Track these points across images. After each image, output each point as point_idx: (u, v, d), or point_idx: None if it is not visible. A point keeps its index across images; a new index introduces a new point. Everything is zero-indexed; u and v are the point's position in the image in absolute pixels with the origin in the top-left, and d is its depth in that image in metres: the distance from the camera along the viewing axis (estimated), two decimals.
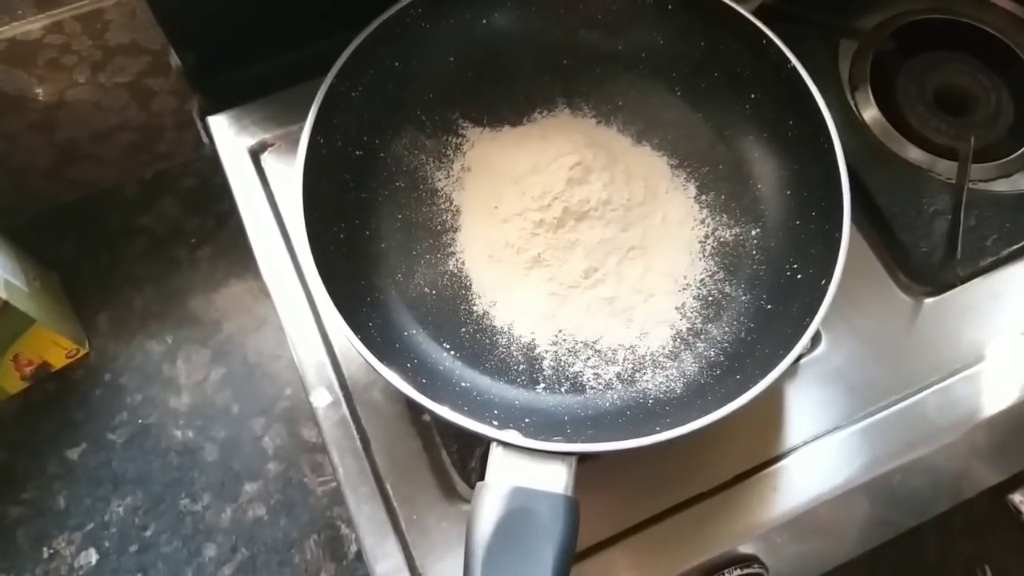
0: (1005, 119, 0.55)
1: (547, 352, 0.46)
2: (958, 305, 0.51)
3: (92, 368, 0.65)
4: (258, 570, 0.59)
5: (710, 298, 0.48)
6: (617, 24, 0.53)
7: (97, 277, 0.69)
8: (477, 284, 0.48)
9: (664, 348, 0.46)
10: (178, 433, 0.63)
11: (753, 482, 0.46)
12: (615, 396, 0.45)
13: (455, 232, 0.50)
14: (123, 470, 0.62)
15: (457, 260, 0.49)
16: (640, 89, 0.53)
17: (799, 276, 0.46)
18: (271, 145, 0.55)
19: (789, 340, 0.41)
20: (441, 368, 0.45)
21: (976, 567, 0.68)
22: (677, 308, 0.47)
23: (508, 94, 0.53)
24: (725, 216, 0.50)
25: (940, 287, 0.51)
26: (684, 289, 0.48)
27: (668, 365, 0.46)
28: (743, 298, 0.48)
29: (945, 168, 0.53)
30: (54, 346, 0.63)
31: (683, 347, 0.46)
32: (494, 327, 0.47)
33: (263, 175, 0.54)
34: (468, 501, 0.45)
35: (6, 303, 0.57)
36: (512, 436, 0.38)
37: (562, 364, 0.46)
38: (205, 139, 0.56)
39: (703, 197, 0.51)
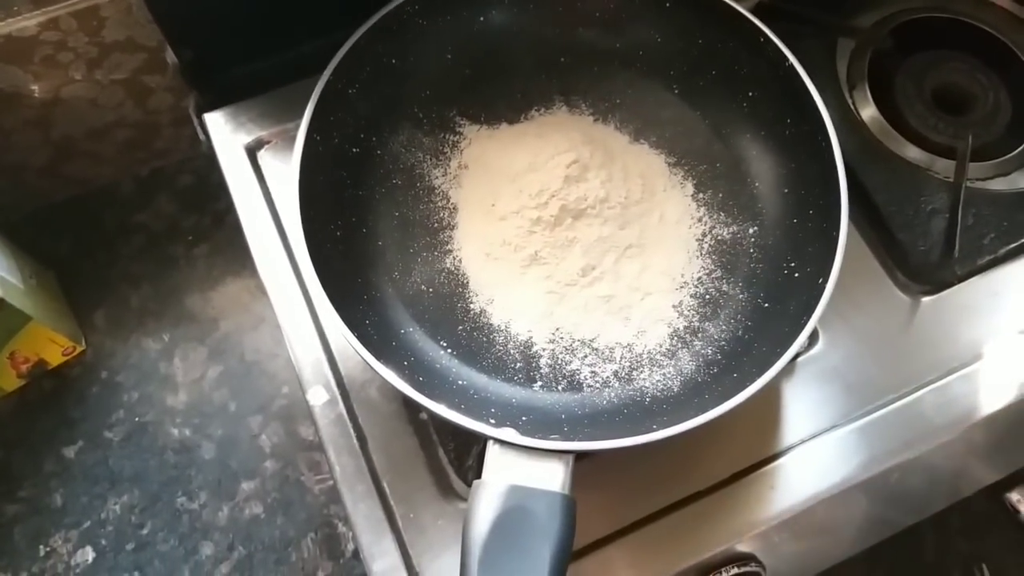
0: (1003, 118, 0.55)
1: (544, 350, 0.46)
2: (956, 304, 0.51)
3: (89, 366, 0.65)
4: (255, 568, 0.59)
5: (707, 296, 0.48)
6: (615, 22, 0.53)
7: (94, 275, 0.69)
8: (474, 282, 0.48)
9: (661, 346, 0.46)
10: (175, 431, 0.63)
11: (750, 480, 0.46)
12: (612, 394, 0.45)
13: (452, 230, 0.50)
14: (120, 468, 0.62)
15: (454, 258, 0.49)
16: (638, 87, 0.53)
17: (796, 274, 0.46)
18: (268, 142, 0.55)
19: (786, 338, 0.41)
20: (438, 366, 0.45)
21: (973, 566, 0.68)
22: (674, 306, 0.47)
23: (505, 92, 0.53)
24: (723, 214, 0.50)
25: (938, 286, 0.51)
26: (681, 287, 0.48)
27: (665, 363, 0.46)
28: (740, 296, 0.47)
29: (943, 167, 0.53)
30: (50, 344, 0.63)
31: (680, 345, 0.46)
32: (491, 325, 0.47)
33: (260, 172, 0.54)
34: (465, 499, 0.45)
35: (2, 300, 0.57)
36: (509, 434, 0.38)
37: (559, 362, 0.46)
38: (202, 136, 0.56)
39: (700, 195, 0.51)
